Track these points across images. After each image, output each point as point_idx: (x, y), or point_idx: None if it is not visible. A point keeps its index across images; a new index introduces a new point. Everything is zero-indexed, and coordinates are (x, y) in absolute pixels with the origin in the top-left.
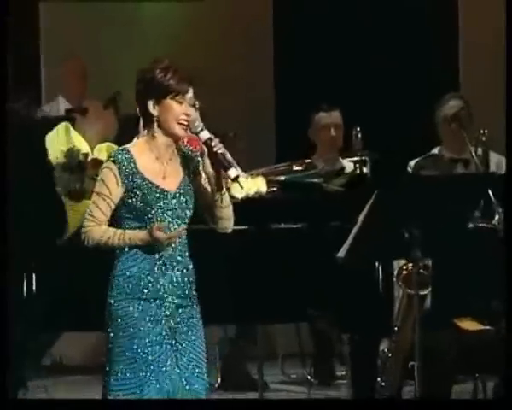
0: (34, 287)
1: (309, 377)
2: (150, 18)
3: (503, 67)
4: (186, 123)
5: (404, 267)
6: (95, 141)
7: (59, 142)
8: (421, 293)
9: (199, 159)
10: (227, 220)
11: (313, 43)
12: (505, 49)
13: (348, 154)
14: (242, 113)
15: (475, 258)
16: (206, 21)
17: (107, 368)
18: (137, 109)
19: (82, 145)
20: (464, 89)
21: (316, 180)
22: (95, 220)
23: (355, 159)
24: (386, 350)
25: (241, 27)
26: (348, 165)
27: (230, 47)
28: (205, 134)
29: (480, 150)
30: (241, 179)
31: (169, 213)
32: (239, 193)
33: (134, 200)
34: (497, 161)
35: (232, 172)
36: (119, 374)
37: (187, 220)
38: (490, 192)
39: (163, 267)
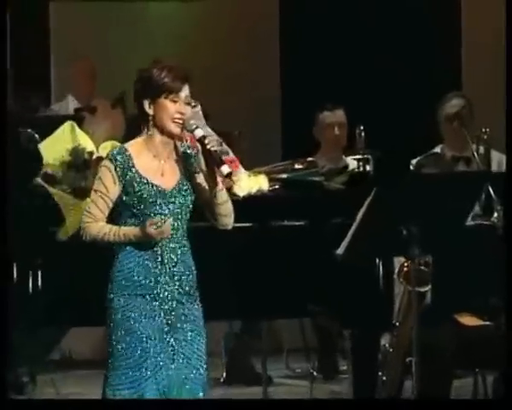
0: (40, 283)
1: (313, 372)
2: (157, 18)
3: (504, 67)
4: (181, 121)
5: (405, 264)
6: (103, 139)
7: (64, 140)
8: (422, 290)
9: (200, 156)
10: (226, 217)
11: (318, 42)
12: (505, 48)
13: (352, 152)
14: (248, 111)
15: (475, 255)
16: (212, 20)
17: (108, 362)
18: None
19: (87, 144)
20: (466, 88)
21: (317, 178)
22: (92, 217)
23: (358, 157)
24: (387, 345)
25: (247, 26)
26: (351, 163)
27: (236, 46)
28: (199, 132)
29: (481, 149)
30: (242, 177)
31: (166, 210)
32: (241, 191)
33: (131, 198)
34: (498, 160)
35: (225, 169)
36: (118, 369)
37: (186, 218)
38: (490, 190)
39: (161, 264)
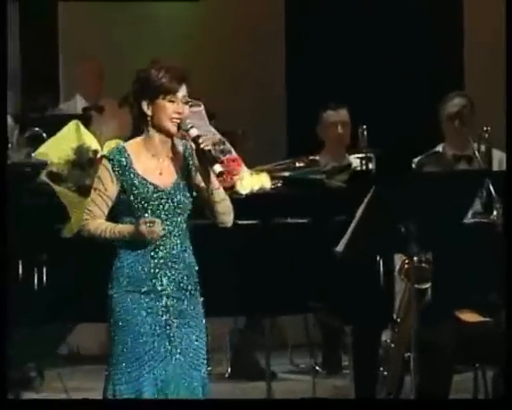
0: (46, 280)
1: (316, 367)
2: (165, 18)
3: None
4: (178, 121)
5: (407, 262)
6: (110, 138)
7: (70, 139)
8: (423, 287)
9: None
10: (224, 215)
11: (321, 42)
12: (505, 48)
13: (355, 151)
14: (253, 111)
15: (475, 252)
16: (217, 20)
17: (109, 358)
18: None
19: (92, 142)
20: (469, 88)
21: (318, 177)
22: (91, 214)
23: (361, 155)
24: (388, 341)
25: (253, 26)
26: (354, 161)
27: (242, 45)
28: (193, 131)
29: (482, 147)
30: (244, 175)
31: (164, 209)
32: (244, 189)
33: (130, 196)
34: (499, 158)
35: (217, 168)
36: (117, 364)
37: (184, 216)
38: (491, 188)
39: (159, 261)
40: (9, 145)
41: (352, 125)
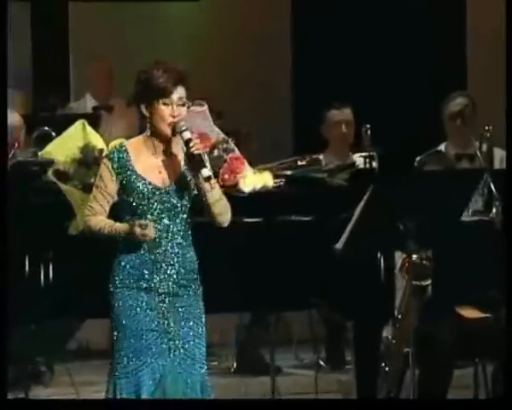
0: (53, 277)
1: (320, 362)
2: (174, 18)
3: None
4: (173, 124)
5: (407, 259)
6: (119, 137)
7: (76, 138)
8: (424, 283)
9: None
10: (220, 215)
11: (326, 43)
12: (505, 48)
13: (358, 149)
14: (258, 111)
15: (476, 249)
16: (224, 21)
17: (111, 353)
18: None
19: (98, 141)
20: (471, 87)
21: (320, 175)
22: (92, 211)
23: (364, 154)
24: (389, 337)
25: (259, 27)
26: (358, 160)
27: (248, 46)
28: (186, 134)
29: (484, 146)
30: (247, 173)
31: (162, 207)
32: (246, 187)
33: (129, 194)
34: (501, 157)
35: (204, 172)
36: (117, 359)
37: (183, 215)
38: (492, 186)
39: (160, 258)
40: (16, 145)
41: (356, 124)
